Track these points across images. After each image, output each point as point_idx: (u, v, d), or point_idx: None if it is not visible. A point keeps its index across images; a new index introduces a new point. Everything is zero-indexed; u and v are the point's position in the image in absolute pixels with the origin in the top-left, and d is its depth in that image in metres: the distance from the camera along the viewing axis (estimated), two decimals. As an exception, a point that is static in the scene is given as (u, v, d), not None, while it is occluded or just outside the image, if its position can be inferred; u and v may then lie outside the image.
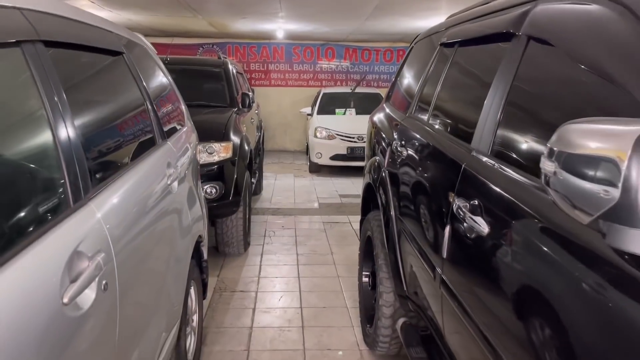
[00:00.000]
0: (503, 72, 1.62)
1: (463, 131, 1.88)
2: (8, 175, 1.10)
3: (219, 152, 4.12)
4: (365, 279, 3.13)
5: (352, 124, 8.60)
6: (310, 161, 9.07)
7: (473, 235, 1.48)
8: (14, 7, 1.26)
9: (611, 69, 1.12)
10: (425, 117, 2.35)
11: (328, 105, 9.52)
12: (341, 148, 8.49)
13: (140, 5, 7.29)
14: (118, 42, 2.04)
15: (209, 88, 5.36)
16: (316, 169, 8.99)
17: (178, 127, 2.69)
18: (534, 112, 1.46)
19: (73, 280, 1.12)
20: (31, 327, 0.95)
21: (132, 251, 1.52)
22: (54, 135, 1.25)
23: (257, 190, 6.84)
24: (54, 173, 1.23)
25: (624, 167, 0.80)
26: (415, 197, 2.18)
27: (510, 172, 1.38)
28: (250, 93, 5.67)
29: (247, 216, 4.66)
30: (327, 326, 3.24)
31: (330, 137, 8.60)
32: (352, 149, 8.42)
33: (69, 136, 1.30)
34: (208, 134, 4.03)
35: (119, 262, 1.38)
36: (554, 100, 1.35)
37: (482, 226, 1.42)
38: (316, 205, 6.63)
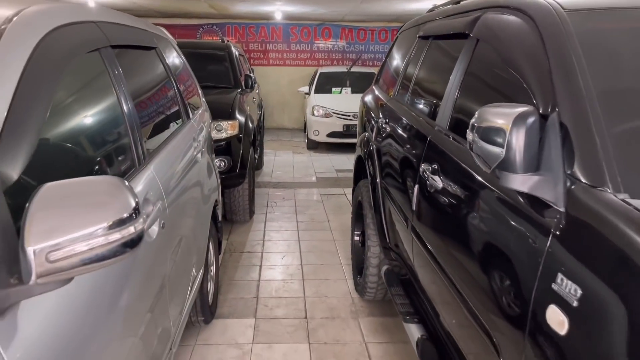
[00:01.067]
0: (459, 65, 2.09)
1: (430, 111, 2.36)
2: (102, 144, 1.57)
3: (227, 129, 4.59)
4: (356, 238, 3.64)
5: (348, 103, 9.02)
6: (308, 138, 9.52)
7: (432, 190, 1.97)
8: (92, 22, 1.72)
9: (518, 64, 1.59)
10: (405, 99, 2.83)
11: (325, 84, 9.93)
12: (337, 125, 8.94)
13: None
14: (151, 38, 2.49)
15: (215, 70, 5.78)
16: (314, 146, 9.46)
17: (196, 107, 3.16)
18: (476, 97, 1.94)
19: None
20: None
21: (176, 203, 2.01)
22: (124, 116, 1.72)
23: (259, 165, 7.31)
24: (126, 144, 1.71)
25: (507, 135, 1.28)
26: (394, 165, 2.67)
27: (458, 142, 1.86)
28: (252, 75, 6.10)
29: (252, 188, 5.16)
30: (324, 279, 3.76)
31: (327, 115, 9.04)
32: (347, 126, 8.86)
33: (132, 117, 1.78)
34: (216, 113, 4.48)
35: (169, 210, 1.87)
36: (488, 88, 1.83)
37: (438, 182, 1.91)
38: (314, 179, 7.12)
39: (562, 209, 1.18)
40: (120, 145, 1.68)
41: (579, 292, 1.04)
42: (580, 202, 1.15)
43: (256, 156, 6.04)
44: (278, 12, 10.21)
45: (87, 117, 1.53)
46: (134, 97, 1.88)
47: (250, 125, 5.06)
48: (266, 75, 12.08)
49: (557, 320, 1.09)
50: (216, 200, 3.17)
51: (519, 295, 1.28)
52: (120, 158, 1.66)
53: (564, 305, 1.08)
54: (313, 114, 9.14)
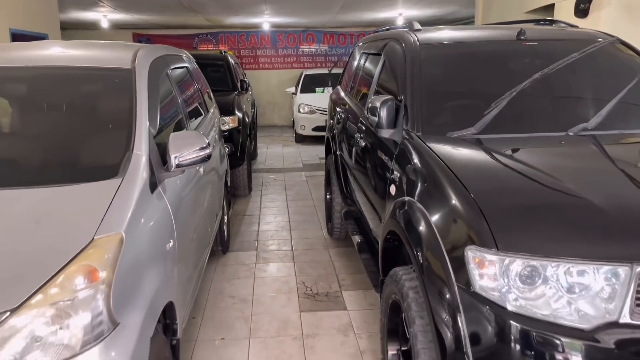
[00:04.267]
0: (376, 71, 3.47)
1: (363, 102, 3.73)
2: (180, 119, 2.92)
3: (229, 123, 5.94)
4: (327, 197, 5.01)
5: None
6: (296, 133, 10.89)
7: (359, 148, 3.34)
8: (163, 56, 3.06)
9: (394, 72, 2.97)
10: (352, 94, 4.20)
11: (309, 84, 11.30)
12: (321, 120, 10.30)
13: (153, 10, 8.97)
14: (184, 59, 3.84)
15: (216, 76, 7.12)
16: (301, 139, 10.82)
17: (210, 104, 4.52)
18: (381, 91, 3.31)
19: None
20: (192, 172, 2.80)
21: (211, 161, 3.37)
22: (181, 106, 3.07)
23: (254, 155, 8.66)
24: (183, 120, 3.05)
25: (378, 110, 2.65)
26: (345, 139, 4.03)
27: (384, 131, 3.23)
28: (246, 79, 7.45)
29: (249, 169, 6.51)
30: (306, 229, 5.12)
31: (311, 112, 10.42)
32: (329, 121, 10.25)
33: (183, 107, 3.13)
34: (221, 110, 5.83)
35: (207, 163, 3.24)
36: (385, 85, 3.21)
37: (360, 141, 3.29)
38: (300, 165, 8.49)
39: (399, 144, 2.56)
40: (180, 121, 3.04)
41: (398, 174, 2.42)
42: (406, 140, 2.52)
43: (252, 146, 7.39)
44: (266, 22, 11.56)
45: (173, 105, 2.90)
46: (183, 96, 3.24)
47: (247, 119, 6.43)
48: (257, 78, 13.42)
49: (393, 190, 2.47)
50: (226, 171, 4.53)
51: (384, 185, 2.65)
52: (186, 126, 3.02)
53: (394, 182, 2.45)
54: (299, 111, 10.51)
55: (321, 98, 10.74)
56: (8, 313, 1.41)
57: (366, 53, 4.12)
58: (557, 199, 1.79)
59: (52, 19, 7.05)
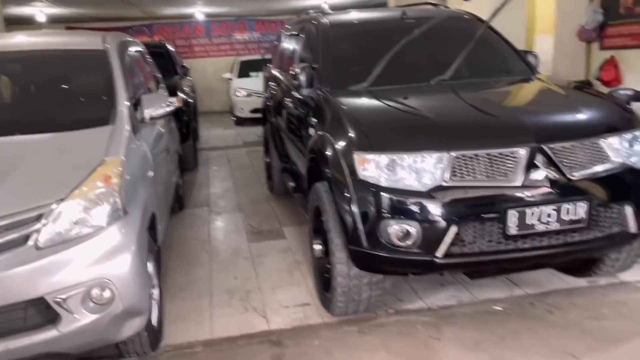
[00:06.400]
0: (298, 48, 4.33)
1: (290, 74, 4.59)
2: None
3: (174, 103, 6.62)
4: (267, 160, 5.85)
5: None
6: (235, 116, 11.61)
7: (287, 106, 4.21)
8: (126, 40, 3.78)
9: (311, 47, 3.85)
10: (281, 69, 5.05)
11: (245, 70, 12.01)
12: (257, 103, 11.00)
13: (90, 3, 9.39)
14: (140, 46, 4.53)
15: (158, 63, 7.66)
16: (240, 122, 11.55)
17: (160, 81, 5.23)
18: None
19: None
20: (159, 132, 3.57)
21: (168, 128, 4.12)
22: (135, 83, 3.81)
23: (196, 136, 9.32)
24: (145, 89, 3.80)
25: (299, 75, 3.51)
26: (277, 108, 4.88)
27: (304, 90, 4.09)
28: (185, 65, 8.10)
29: (195, 146, 7.23)
30: (250, 190, 5.94)
31: (248, 95, 11.16)
32: (265, 102, 11.05)
33: (138, 86, 3.87)
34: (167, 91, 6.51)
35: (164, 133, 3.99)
36: (303, 58, 4.09)
37: (288, 103, 4.16)
38: (241, 143, 9.28)
39: (315, 98, 3.44)
40: (143, 88, 3.77)
41: (315, 120, 3.31)
42: (319, 95, 3.40)
43: (195, 125, 8.09)
44: (199, 12, 12.14)
45: (137, 77, 3.63)
46: (142, 72, 3.96)
47: (190, 100, 7.13)
48: (193, 66, 13.90)
49: (312, 132, 3.35)
50: (179, 141, 5.26)
51: (306, 131, 3.52)
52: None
53: (312, 126, 3.34)
54: (237, 95, 11.23)
55: (256, 82, 11.46)
56: (58, 202, 2.18)
57: (290, 35, 4.97)
58: (410, 120, 2.75)
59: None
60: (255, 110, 11.07)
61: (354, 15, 4.21)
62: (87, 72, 3.24)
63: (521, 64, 3.69)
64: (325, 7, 10.96)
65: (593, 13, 5.71)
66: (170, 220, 4.77)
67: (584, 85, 4.51)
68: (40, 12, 10.17)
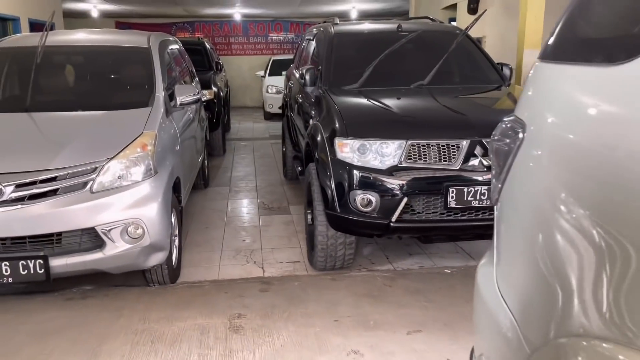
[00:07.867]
0: (312, 52, 5.06)
1: (299, 73, 5.32)
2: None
3: (207, 95, 7.45)
4: (283, 149, 6.59)
5: (293, 82, 11.97)
6: (265, 111, 12.43)
7: (298, 101, 4.93)
8: (168, 39, 4.59)
9: (319, 52, 4.56)
10: (297, 69, 5.78)
11: (277, 68, 12.80)
12: (286, 99, 11.86)
13: (138, 1, 10.36)
14: (179, 44, 5.34)
15: (195, 59, 8.56)
16: (269, 117, 12.36)
17: (194, 75, 6.04)
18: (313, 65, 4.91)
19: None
20: (188, 116, 4.35)
21: (196, 114, 4.90)
22: (177, 77, 4.61)
23: (227, 128, 10.18)
24: (180, 81, 4.60)
25: (304, 75, 4.24)
26: (291, 103, 5.61)
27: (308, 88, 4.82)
28: (220, 61, 8.94)
29: (224, 134, 8.05)
30: (268, 176, 6.71)
31: (278, 92, 11.95)
32: (293, 99, 11.84)
33: (177, 78, 4.66)
34: (201, 85, 7.34)
35: (194, 114, 4.78)
36: (314, 61, 4.81)
37: (299, 98, 4.88)
38: (267, 135, 10.06)
39: (316, 95, 4.15)
40: (178, 80, 4.57)
41: (314, 112, 4.02)
42: (322, 93, 4.11)
43: (225, 118, 8.92)
44: (237, 13, 13.02)
45: (173, 71, 4.43)
46: (179, 66, 4.76)
47: (221, 94, 7.96)
48: (230, 63, 14.86)
49: (312, 122, 4.07)
50: (206, 128, 6.07)
51: (309, 121, 4.24)
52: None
53: (312, 117, 4.05)
54: (267, 92, 12.04)
55: (286, 80, 12.29)
56: (108, 160, 2.97)
57: (307, 39, 5.70)
58: (381, 115, 3.45)
59: (57, 10, 8.42)
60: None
61: (358, 27, 4.92)
62: (133, 65, 4.05)
63: (495, 74, 4.31)
64: (349, 15, 11.63)
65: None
66: (195, 195, 5.60)
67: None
68: (93, 8, 11.23)
